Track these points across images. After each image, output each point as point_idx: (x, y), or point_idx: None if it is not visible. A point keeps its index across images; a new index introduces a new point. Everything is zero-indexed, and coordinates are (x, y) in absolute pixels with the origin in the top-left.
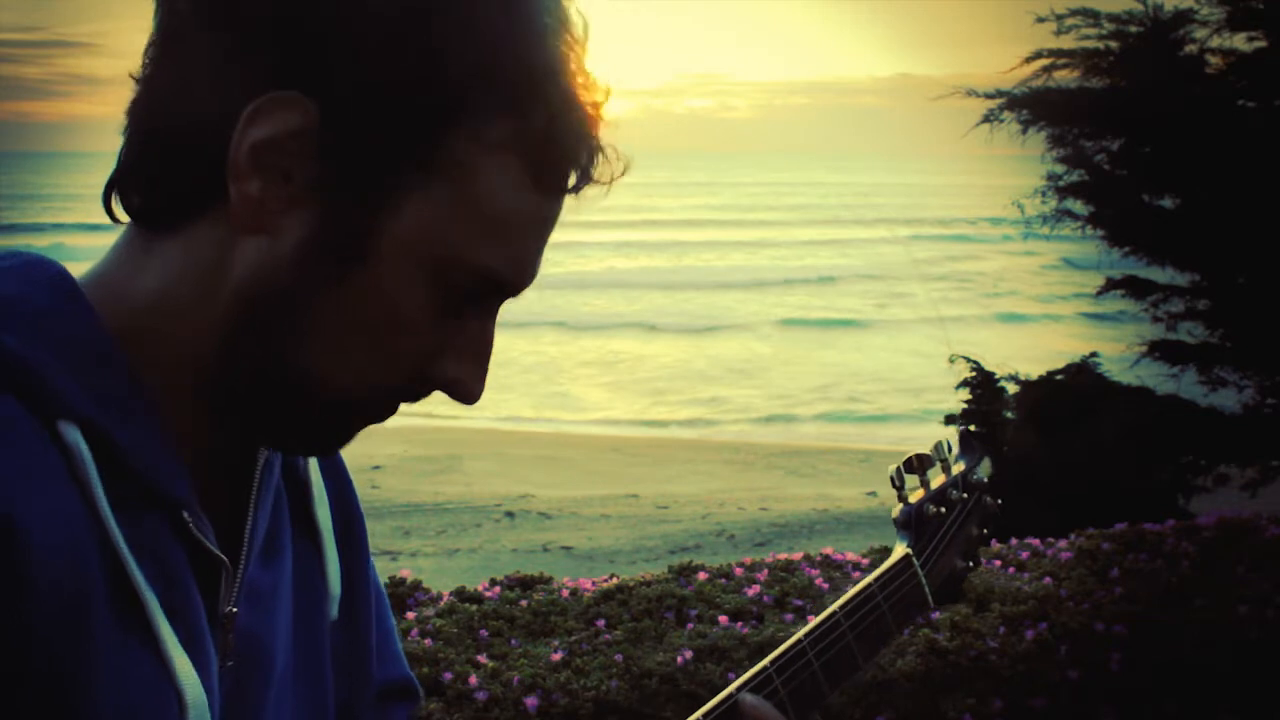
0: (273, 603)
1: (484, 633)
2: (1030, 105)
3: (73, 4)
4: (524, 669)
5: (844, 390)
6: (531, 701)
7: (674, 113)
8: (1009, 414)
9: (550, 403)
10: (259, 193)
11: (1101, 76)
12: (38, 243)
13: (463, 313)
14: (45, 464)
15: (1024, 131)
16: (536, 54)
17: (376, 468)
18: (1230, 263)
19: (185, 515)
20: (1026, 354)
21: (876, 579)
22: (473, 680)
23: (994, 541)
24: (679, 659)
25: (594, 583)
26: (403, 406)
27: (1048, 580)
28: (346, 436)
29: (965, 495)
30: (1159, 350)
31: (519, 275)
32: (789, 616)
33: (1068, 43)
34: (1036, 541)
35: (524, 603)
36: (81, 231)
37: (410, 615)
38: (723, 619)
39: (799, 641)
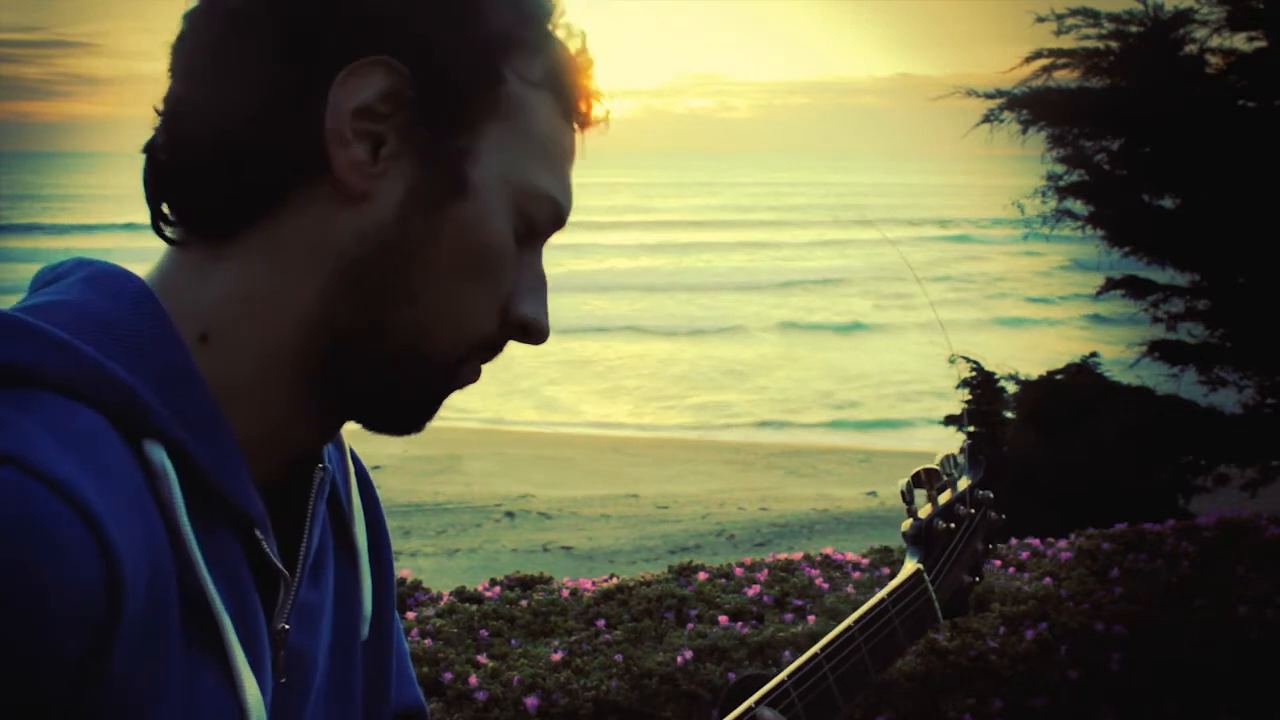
0: (319, 621)
1: (484, 633)
2: (1030, 105)
3: (73, 4)
4: (524, 669)
5: (843, 396)
6: (531, 701)
7: (674, 113)
8: (1009, 414)
9: (550, 404)
10: (364, 155)
11: (1101, 76)
12: (38, 243)
13: (525, 249)
14: (133, 487)
15: (1024, 131)
16: None
17: (376, 468)
18: (1230, 263)
19: (258, 533)
20: (1027, 354)
21: (890, 594)
22: (473, 680)
23: None
24: (679, 659)
25: (594, 583)
26: None
27: (1048, 580)
28: (438, 404)
29: (972, 511)
30: (1159, 350)
31: (569, 203)
32: (789, 616)
33: (1068, 43)
34: (1036, 541)
35: (524, 603)
36: (82, 232)
37: (410, 615)
38: (723, 619)
39: (815, 656)
